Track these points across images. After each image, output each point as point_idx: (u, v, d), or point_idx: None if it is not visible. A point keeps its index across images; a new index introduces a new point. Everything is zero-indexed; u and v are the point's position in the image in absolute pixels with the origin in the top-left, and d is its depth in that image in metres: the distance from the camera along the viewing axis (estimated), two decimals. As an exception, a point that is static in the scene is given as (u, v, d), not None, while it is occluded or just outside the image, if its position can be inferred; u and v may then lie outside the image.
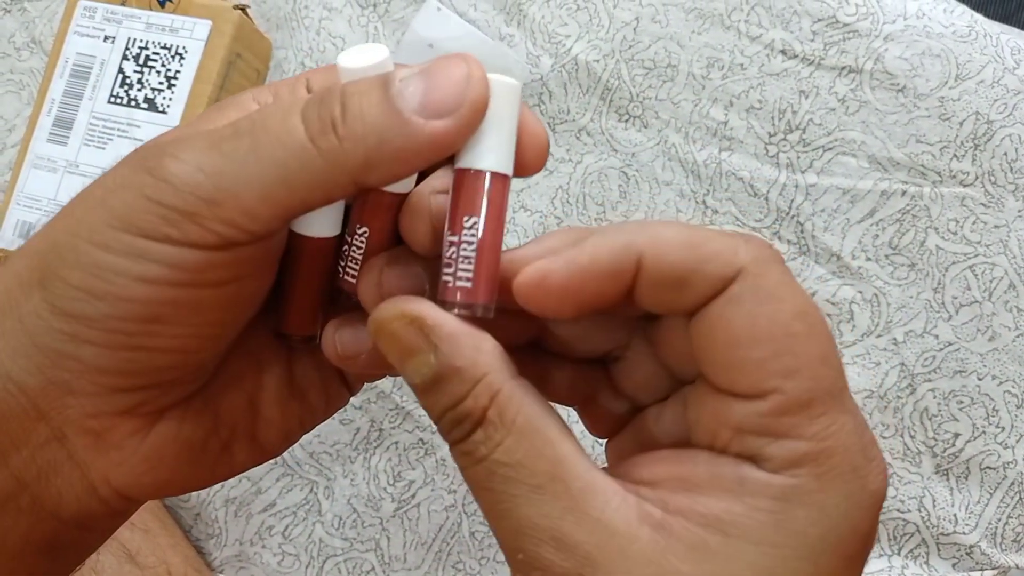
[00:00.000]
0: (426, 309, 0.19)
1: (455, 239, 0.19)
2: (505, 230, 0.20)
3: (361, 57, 0.20)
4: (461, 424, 0.19)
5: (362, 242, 0.21)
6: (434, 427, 0.44)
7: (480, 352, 0.19)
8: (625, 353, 0.23)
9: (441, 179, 0.21)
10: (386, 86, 0.19)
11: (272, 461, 0.45)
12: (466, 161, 0.19)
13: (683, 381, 0.22)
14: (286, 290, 0.22)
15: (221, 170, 0.18)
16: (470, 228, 0.19)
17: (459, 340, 0.19)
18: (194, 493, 0.45)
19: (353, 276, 0.22)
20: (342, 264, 0.22)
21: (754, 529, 0.18)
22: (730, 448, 0.19)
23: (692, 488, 0.19)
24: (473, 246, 0.19)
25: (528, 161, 0.21)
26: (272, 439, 0.24)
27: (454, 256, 0.19)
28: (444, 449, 0.44)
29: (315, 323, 0.23)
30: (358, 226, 0.21)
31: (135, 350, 0.19)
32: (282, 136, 0.18)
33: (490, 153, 0.19)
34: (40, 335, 0.19)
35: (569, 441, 0.19)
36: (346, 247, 0.22)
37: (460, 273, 0.19)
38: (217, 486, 0.45)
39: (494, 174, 0.19)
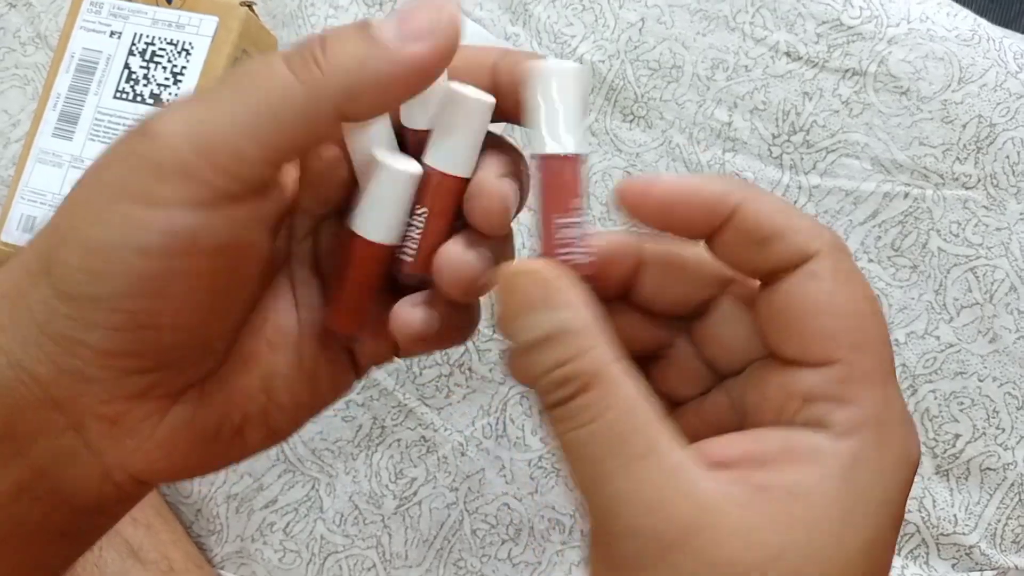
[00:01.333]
0: (556, 272, 0.20)
1: (566, 220, 0.20)
2: None
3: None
4: (565, 385, 0.19)
5: (421, 222, 0.22)
6: (436, 425, 0.44)
7: (597, 321, 0.20)
8: (667, 352, 0.24)
9: (498, 164, 0.22)
10: (364, 26, 0.19)
11: (274, 457, 0.45)
12: (555, 147, 0.20)
13: (724, 375, 0.24)
14: (337, 288, 0.23)
15: (208, 118, 0.19)
16: (579, 209, 0.21)
17: (582, 307, 0.20)
18: (195, 489, 0.45)
19: (411, 255, 0.23)
20: (399, 246, 0.23)
21: (830, 495, 0.19)
22: (798, 417, 0.20)
23: (768, 464, 0.20)
24: (583, 226, 0.21)
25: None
26: (283, 423, 0.24)
27: (569, 237, 0.21)
28: (446, 447, 0.44)
29: (363, 322, 0.24)
30: (418, 207, 0.22)
31: (141, 329, 0.20)
32: (265, 77, 0.19)
33: (574, 137, 0.20)
34: (49, 323, 0.19)
35: (665, 422, 0.20)
36: (407, 228, 0.23)
37: (578, 252, 0.21)
38: (219, 482, 0.45)
39: (582, 156, 0.21)
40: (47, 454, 0.20)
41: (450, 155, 0.21)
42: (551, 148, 0.20)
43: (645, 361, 0.25)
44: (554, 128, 0.20)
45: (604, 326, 0.20)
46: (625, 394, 0.20)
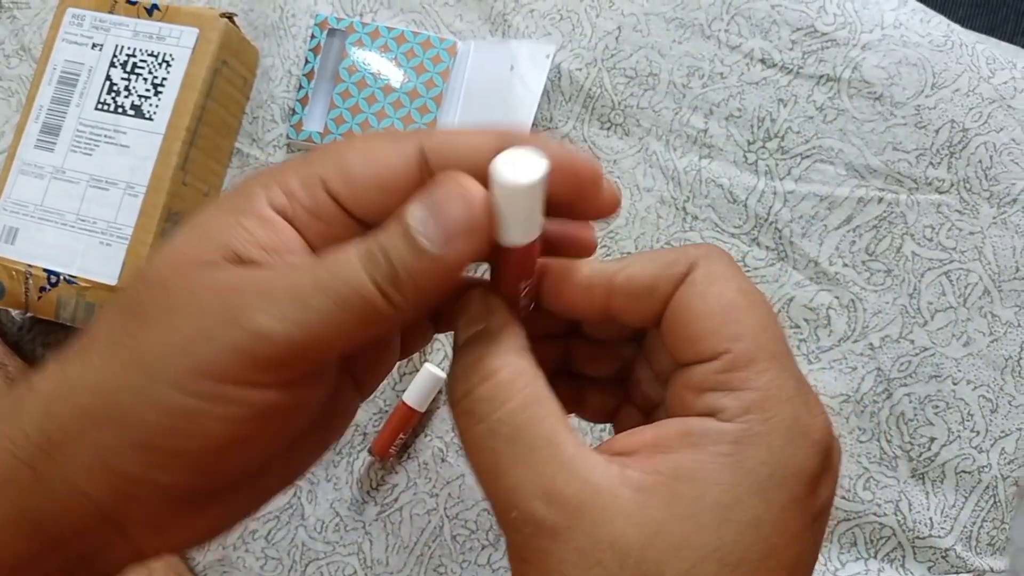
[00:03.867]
0: (486, 293, 0.23)
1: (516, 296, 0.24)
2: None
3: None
4: (469, 378, 0.22)
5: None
6: (416, 430, 0.44)
7: (512, 329, 0.23)
8: (633, 369, 0.27)
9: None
10: (411, 237, 0.21)
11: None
12: (509, 240, 0.22)
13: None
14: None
15: (311, 322, 0.20)
16: (527, 285, 0.24)
17: (501, 316, 0.23)
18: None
19: None
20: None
21: (716, 472, 0.20)
22: (694, 408, 0.22)
23: (666, 449, 0.21)
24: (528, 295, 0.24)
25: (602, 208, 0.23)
26: (300, 474, 0.26)
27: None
28: (426, 453, 0.44)
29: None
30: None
31: (207, 474, 0.21)
32: (359, 293, 0.21)
33: (524, 231, 0.22)
34: (115, 462, 0.21)
35: (565, 421, 0.21)
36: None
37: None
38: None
39: (530, 243, 0.23)
40: (88, 547, 0.22)
41: (519, 231, 0.22)
42: (506, 241, 0.22)
43: (622, 379, 0.28)
44: (508, 226, 0.22)
45: (519, 333, 0.23)
46: (528, 393, 0.21)
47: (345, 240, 0.22)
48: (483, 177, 0.21)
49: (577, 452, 0.21)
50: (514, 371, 0.21)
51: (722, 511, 0.20)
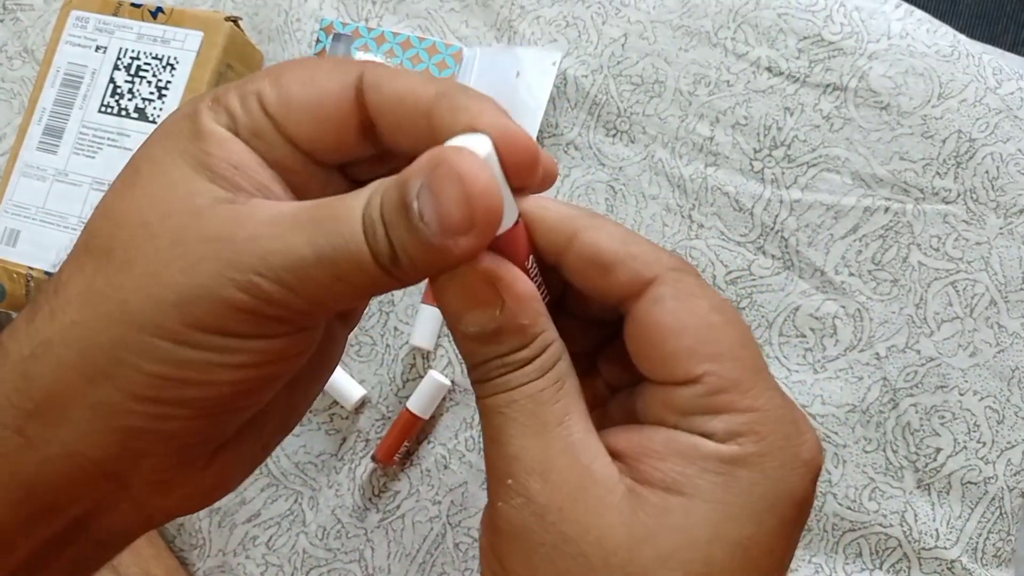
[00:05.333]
0: (503, 269, 0.21)
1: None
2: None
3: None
4: (510, 368, 0.21)
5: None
6: (419, 437, 0.44)
7: (540, 314, 0.21)
8: (604, 351, 0.26)
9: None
10: (407, 210, 0.19)
11: (257, 471, 0.45)
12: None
13: (616, 387, 0.25)
14: None
15: (310, 289, 0.19)
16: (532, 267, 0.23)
17: (527, 301, 0.21)
18: (178, 503, 0.45)
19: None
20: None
21: (707, 489, 0.20)
22: (679, 427, 0.21)
23: (653, 456, 0.21)
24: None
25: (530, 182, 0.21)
26: (298, 419, 0.25)
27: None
28: (429, 460, 0.44)
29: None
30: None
31: (216, 418, 0.20)
32: (362, 269, 0.19)
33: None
34: (117, 419, 0.19)
35: (582, 403, 0.21)
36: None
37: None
38: (201, 496, 0.45)
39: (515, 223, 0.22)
40: (88, 508, 0.20)
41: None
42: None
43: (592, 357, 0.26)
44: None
45: (545, 309, 0.21)
46: (553, 372, 0.21)
47: (290, 165, 0.21)
48: (419, 127, 0.20)
49: (584, 438, 0.20)
50: (549, 353, 0.21)
51: (713, 528, 0.19)
